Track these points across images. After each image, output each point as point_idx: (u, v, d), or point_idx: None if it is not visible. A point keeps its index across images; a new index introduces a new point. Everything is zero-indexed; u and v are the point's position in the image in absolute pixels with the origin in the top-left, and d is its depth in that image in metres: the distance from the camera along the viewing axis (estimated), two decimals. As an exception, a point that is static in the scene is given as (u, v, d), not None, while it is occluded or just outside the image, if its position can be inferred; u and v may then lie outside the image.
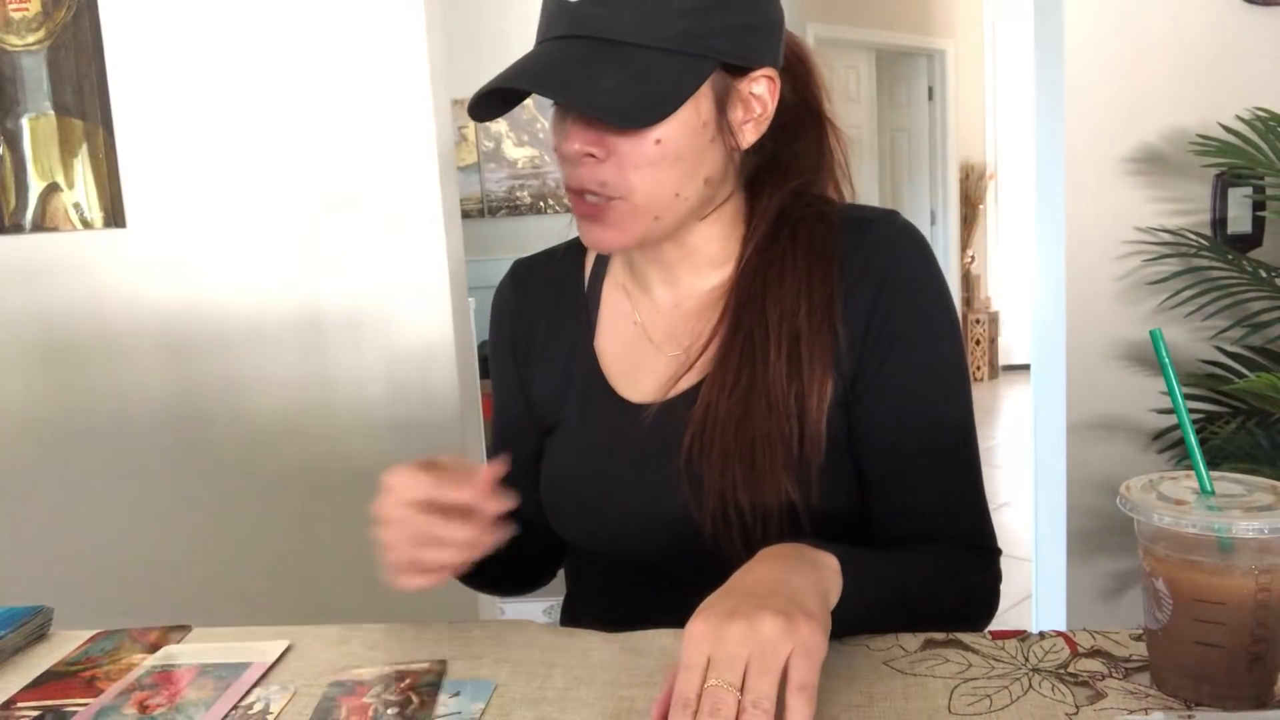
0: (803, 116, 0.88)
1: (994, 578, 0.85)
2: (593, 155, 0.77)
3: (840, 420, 0.81)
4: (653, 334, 0.89)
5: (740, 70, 0.78)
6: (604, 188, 0.77)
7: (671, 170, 0.77)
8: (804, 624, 0.58)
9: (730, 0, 0.76)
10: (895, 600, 0.73)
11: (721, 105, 0.78)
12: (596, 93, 0.73)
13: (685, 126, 0.76)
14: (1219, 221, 1.88)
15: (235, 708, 0.70)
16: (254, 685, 0.73)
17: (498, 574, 0.93)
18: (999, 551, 0.86)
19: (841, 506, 0.82)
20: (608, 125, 0.75)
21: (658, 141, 0.75)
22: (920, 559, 0.79)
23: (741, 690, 0.55)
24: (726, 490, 0.78)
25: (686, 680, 0.57)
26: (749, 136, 0.81)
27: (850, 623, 0.68)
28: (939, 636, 0.73)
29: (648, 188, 0.77)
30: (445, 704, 0.68)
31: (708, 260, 0.87)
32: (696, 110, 0.77)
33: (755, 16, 0.78)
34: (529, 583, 0.99)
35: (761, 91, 0.80)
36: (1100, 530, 2.02)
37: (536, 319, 0.95)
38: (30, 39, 1.93)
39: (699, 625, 0.59)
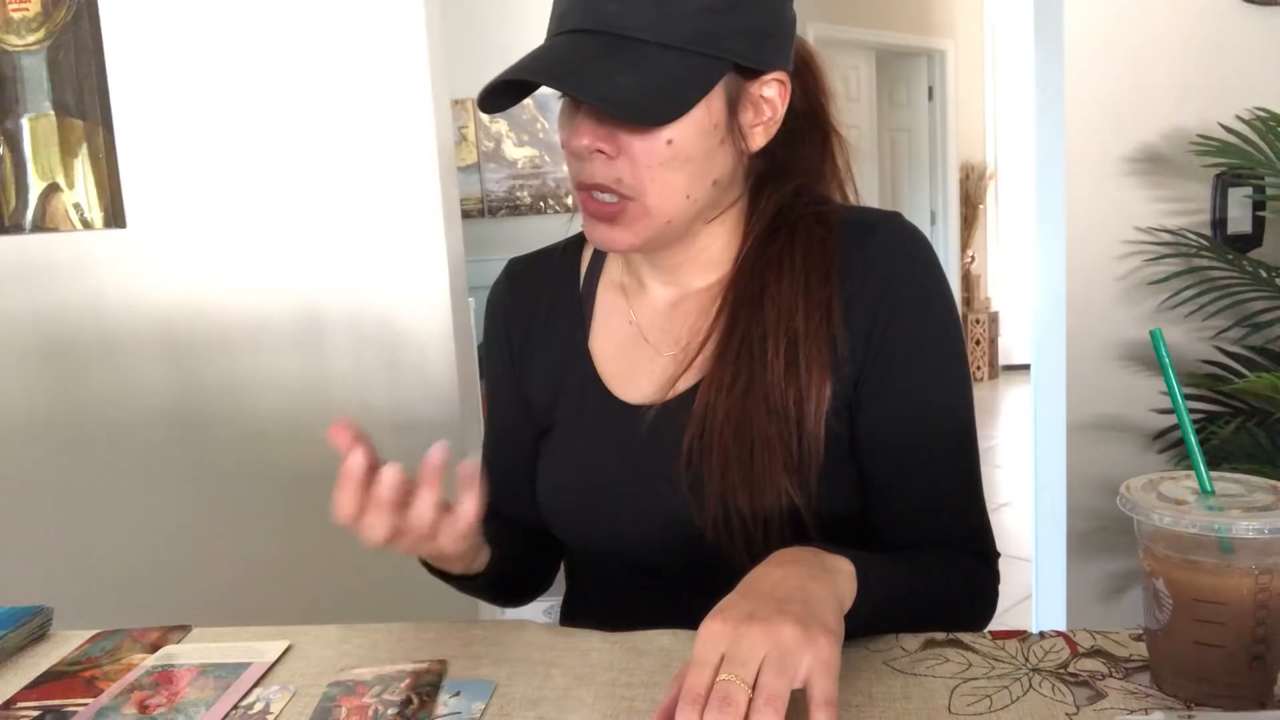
0: (808, 122, 0.88)
1: (993, 582, 0.85)
2: (603, 152, 0.76)
3: (839, 425, 0.81)
4: (649, 333, 0.89)
5: (752, 72, 0.78)
6: (619, 184, 0.77)
7: (681, 171, 0.77)
8: (822, 637, 0.58)
9: (747, 2, 0.75)
10: (901, 605, 0.73)
11: (733, 107, 0.78)
12: (612, 88, 0.72)
13: (697, 127, 0.76)
14: (1219, 221, 1.88)
15: (235, 708, 0.70)
16: (254, 685, 0.73)
17: (495, 578, 0.93)
18: (998, 555, 0.86)
19: (840, 510, 0.81)
20: (620, 122, 0.75)
21: (669, 142, 0.75)
22: (926, 564, 0.79)
23: (753, 689, 0.55)
24: (727, 493, 0.78)
25: (697, 676, 0.56)
26: (759, 139, 0.81)
27: (857, 627, 0.68)
28: (939, 636, 0.73)
29: (659, 188, 0.77)
30: (445, 704, 0.68)
31: (709, 262, 0.87)
32: (708, 111, 0.76)
33: (770, 19, 0.78)
34: (526, 589, 0.98)
35: (772, 95, 0.80)
36: (1100, 530, 2.02)
37: (532, 317, 0.94)
38: (30, 39, 1.93)
39: (715, 624, 0.58)
